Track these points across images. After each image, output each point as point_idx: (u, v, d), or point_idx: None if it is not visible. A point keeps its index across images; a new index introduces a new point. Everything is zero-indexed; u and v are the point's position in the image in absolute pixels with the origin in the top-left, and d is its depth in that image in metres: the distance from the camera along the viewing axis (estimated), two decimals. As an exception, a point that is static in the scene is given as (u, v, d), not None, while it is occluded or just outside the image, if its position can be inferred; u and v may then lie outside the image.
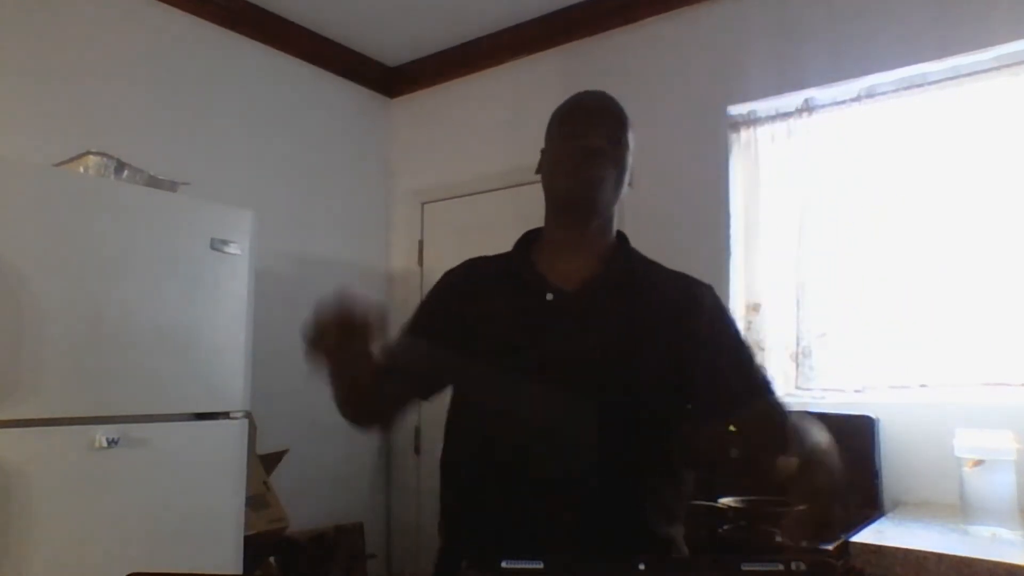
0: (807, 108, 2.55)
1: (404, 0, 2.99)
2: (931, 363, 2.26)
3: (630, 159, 1.24)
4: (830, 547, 1.77)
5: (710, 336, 1.19)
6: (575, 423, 1.11)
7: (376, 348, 1.07)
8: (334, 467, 3.14)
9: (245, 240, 2.22)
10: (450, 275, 1.35)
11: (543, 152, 1.29)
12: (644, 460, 1.14)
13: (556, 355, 1.16)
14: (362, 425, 1.31)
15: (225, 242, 2.16)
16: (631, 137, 1.24)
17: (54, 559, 1.75)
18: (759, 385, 1.19)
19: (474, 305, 1.25)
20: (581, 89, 1.30)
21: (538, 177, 1.30)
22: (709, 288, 1.27)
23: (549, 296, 1.20)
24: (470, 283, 1.31)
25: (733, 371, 1.19)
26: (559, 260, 1.24)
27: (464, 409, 1.26)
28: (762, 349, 2.52)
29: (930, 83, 2.35)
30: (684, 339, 1.18)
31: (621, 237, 1.29)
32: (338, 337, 1.02)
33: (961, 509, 1.87)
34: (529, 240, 1.31)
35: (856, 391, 2.35)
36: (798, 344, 2.47)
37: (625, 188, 1.25)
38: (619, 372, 1.15)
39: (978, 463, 1.83)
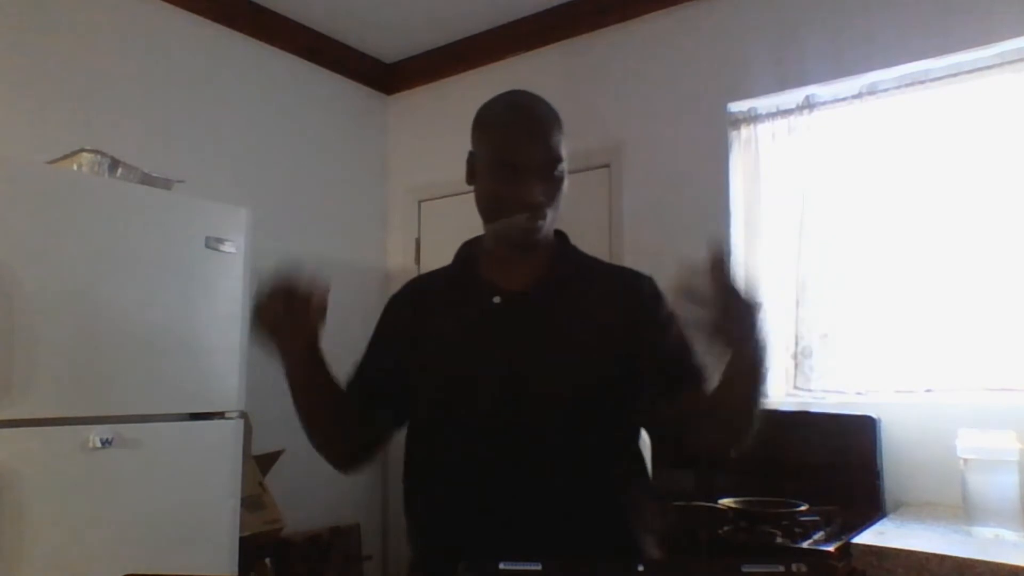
0: (808, 105, 2.53)
1: (401, -4, 2.98)
2: (934, 367, 2.24)
3: (565, 177, 1.20)
4: (831, 548, 1.76)
5: (649, 324, 1.18)
6: (525, 424, 1.12)
7: (320, 328, 1.11)
8: (330, 468, 3.11)
9: (240, 238, 2.20)
10: (394, 300, 1.35)
11: (471, 163, 1.23)
12: (595, 458, 1.14)
13: (508, 355, 1.16)
14: (333, 454, 1.33)
15: (220, 240, 2.14)
16: (564, 148, 1.19)
17: (47, 561, 1.73)
18: (695, 373, 1.15)
19: (423, 321, 1.25)
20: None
21: None
22: (649, 279, 1.26)
23: (496, 299, 1.20)
24: (415, 302, 1.31)
25: (670, 360, 1.16)
26: (503, 265, 1.23)
27: (418, 420, 1.25)
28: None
29: (932, 80, 2.34)
30: (626, 331, 1.17)
31: (561, 236, 1.28)
32: (282, 309, 1.05)
33: (964, 510, 1.87)
34: (469, 249, 1.30)
35: (858, 393, 2.33)
36: (797, 344, 2.46)
37: (562, 203, 1.22)
38: (571, 369, 1.14)
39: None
